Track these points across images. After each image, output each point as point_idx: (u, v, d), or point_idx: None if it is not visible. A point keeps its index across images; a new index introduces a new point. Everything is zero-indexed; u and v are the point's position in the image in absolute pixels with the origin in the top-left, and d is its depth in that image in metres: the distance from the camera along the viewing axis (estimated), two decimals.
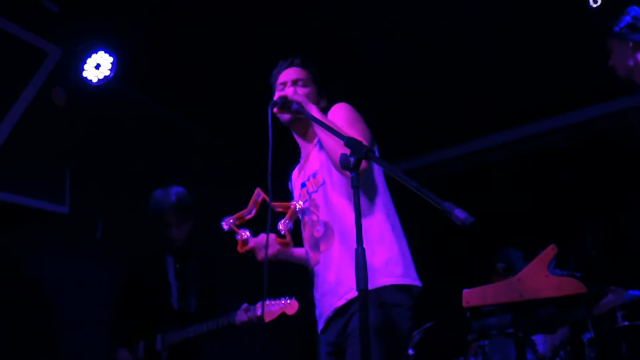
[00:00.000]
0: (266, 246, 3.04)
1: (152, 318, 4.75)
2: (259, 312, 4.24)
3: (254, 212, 3.24)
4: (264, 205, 3.16)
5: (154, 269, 4.92)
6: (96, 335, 5.27)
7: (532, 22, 5.94)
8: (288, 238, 3.11)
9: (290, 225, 3.09)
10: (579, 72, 6.35)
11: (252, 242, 3.22)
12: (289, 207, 3.10)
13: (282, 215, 3.11)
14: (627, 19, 4.31)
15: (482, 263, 6.36)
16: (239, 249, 3.22)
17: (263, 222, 2.99)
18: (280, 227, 3.09)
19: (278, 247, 3.18)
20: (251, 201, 3.21)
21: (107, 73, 5.58)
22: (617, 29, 4.25)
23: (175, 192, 4.85)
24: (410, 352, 5.35)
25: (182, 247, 4.92)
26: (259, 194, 3.20)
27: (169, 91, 6.19)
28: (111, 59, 5.58)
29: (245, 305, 4.29)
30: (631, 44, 3.95)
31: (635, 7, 4.94)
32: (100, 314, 5.25)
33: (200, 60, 5.91)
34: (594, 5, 5.73)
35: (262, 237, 3.22)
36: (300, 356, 6.84)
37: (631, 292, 5.16)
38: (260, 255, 3.20)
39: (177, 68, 5.93)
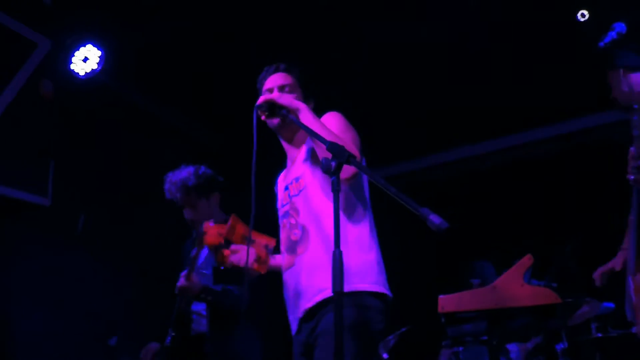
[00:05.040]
0: (247, 260, 3.09)
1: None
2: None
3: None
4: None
5: (183, 258, 4.71)
6: (77, 325, 5.29)
7: (522, 33, 5.98)
8: (265, 266, 3.19)
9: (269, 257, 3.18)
10: (563, 85, 6.42)
11: (233, 258, 3.28)
12: (267, 245, 3.15)
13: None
14: (612, 34, 4.38)
15: (460, 269, 6.42)
16: (218, 261, 3.25)
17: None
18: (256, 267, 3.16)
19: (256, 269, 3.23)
20: (229, 226, 3.21)
21: (95, 67, 5.58)
22: (601, 44, 4.32)
23: (172, 173, 4.56)
24: (385, 356, 5.38)
25: None
26: (235, 222, 3.21)
27: (155, 86, 6.20)
28: (99, 53, 5.59)
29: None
30: (621, 70, 4.01)
31: (620, 23, 5.01)
32: (81, 304, 5.27)
33: (188, 56, 5.93)
34: (582, 20, 5.81)
35: (242, 254, 3.27)
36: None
37: (606, 304, 5.21)
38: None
39: (164, 63, 5.94)
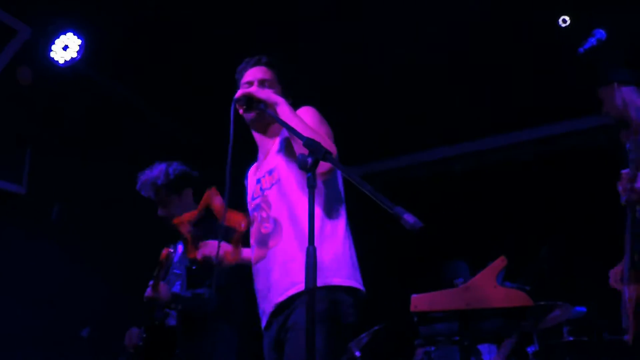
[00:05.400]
0: (217, 253, 3.08)
1: None
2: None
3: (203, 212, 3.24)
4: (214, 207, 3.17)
5: (147, 254, 4.66)
6: (48, 315, 5.27)
7: (504, 35, 6.02)
8: (237, 255, 3.18)
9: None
10: (544, 88, 6.46)
11: (204, 250, 3.28)
12: (239, 224, 3.13)
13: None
14: (592, 41, 4.41)
15: (435, 269, 6.44)
16: (189, 253, 3.24)
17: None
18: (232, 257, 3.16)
19: (229, 260, 3.25)
20: (201, 204, 3.19)
21: (75, 55, 5.55)
22: (581, 50, 4.34)
23: (143, 172, 4.58)
24: (357, 354, 5.39)
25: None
26: (213, 196, 3.19)
27: (135, 78, 6.17)
28: (79, 42, 5.55)
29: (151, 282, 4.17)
30: (616, 84, 4.05)
31: (600, 30, 5.05)
32: (53, 294, 5.24)
33: (168, 47, 5.91)
34: (563, 26, 5.84)
35: (213, 244, 3.27)
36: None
37: (578, 308, 5.25)
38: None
39: (144, 54, 5.91)
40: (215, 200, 3.12)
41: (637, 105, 3.97)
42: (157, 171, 4.46)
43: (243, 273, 3.36)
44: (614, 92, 4.09)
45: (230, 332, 4.26)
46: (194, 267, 4.06)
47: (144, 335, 4.50)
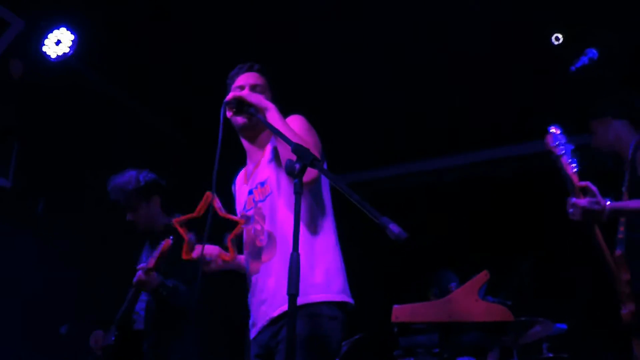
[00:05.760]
0: (202, 254, 3.08)
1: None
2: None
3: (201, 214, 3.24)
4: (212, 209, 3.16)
5: (125, 256, 4.92)
6: (35, 309, 5.24)
7: (500, 48, 6.05)
8: (233, 254, 3.16)
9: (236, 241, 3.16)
10: (528, 106, 6.50)
11: (198, 251, 3.27)
12: (237, 224, 3.13)
13: (228, 225, 3.14)
14: (584, 59, 4.44)
15: (418, 280, 6.46)
16: (184, 254, 3.23)
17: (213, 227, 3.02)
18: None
19: (221, 262, 3.25)
20: (200, 205, 3.19)
21: (67, 50, 5.54)
22: (573, 68, 4.37)
23: (115, 177, 4.77)
24: None
25: (159, 233, 4.69)
26: (210, 199, 3.19)
27: (126, 75, 6.16)
28: (72, 37, 5.54)
29: (140, 264, 4.31)
30: (610, 118, 4.07)
31: (593, 50, 5.09)
32: (36, 287, 5.22)
33: (161, 47, 5.90)
34: (556, 43, 5.88)
35: (208, 248, 3.27)
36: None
37: (558, 325, 5.27)
38: (207, 268, 3.26)
39: (137, 53, 5.91)
40: (216, 201, 3.12)
41: (627, 141, 4.00)
42: (127, 177, 4.67)
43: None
44: (607, 127, 4.11)
45: (194, 333, 4.38)
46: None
47: (116, 333, 4.60)
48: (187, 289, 4.35)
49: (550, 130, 3.69)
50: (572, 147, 3.69)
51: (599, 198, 3.57)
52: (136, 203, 4.65)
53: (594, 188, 3.61)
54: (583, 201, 3.54)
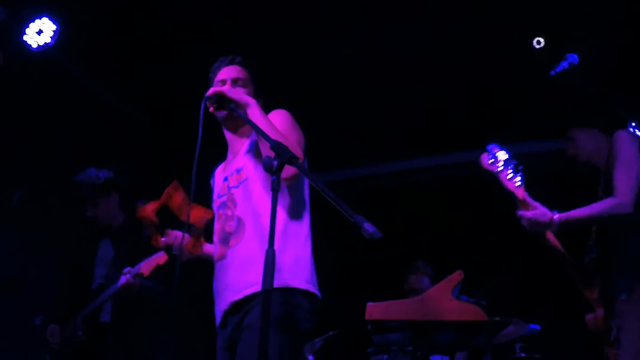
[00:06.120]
0: (182, 243, 3.09)
1: (81, 297, 4.87)
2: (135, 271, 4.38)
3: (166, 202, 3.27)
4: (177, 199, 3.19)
5: (86, 250, 5.06)
6: (9, 301, 5.22)
7: (477, 50, 6.09)
8: (202, 244, 3.21)
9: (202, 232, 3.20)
10: (508, 109, 6.55)
11: (168, 239, 3.31)
12: (203, 217, 3.16)
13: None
14: (564, 64, 4.48)
15: (393, 278, 6.49)
16: (153, 242, 3.26)
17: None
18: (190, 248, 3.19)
19: (189, 251, 3.28)
20: (164, 194, 3.22)
21: (48, 40, 5.50)
22: (553, 73, 4.42)
23: (81, 173, 4.96)
24: (311, 358, 5.40)
25: (118, 228, 4.96)
26: (176, 188, 3.22)
27: (107, 67, 6.13)
28: (54, 27, 5.51)
29: (127, 268, 4.41)
30: (597, 130, 4.12)
31: (573, 55, 5.13)
32: (11, 279, 5.20)
33: (142, 40, 5.88)
34: (537, 47, 5.92)
35: (177, 234, 3.29)
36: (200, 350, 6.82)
37: (532, 325, 5.31)
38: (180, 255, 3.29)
39: (119, 47, 5.88)
40: (177, 195, 3.15)
41: (606, 154, 4.06)
42: (89, 174, 4.89)
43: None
44: (590, 137, 4.15)
45: (163, 325, 4.48)
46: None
47: (83, 327, 4.75)
48: (164, 288, 4.53)
49: (487, 149, 3.78)
50: (515, 162, 3.77)
51: (543, 209, 3.69)
52: (96, 199, 4.87)
53: (532, 202, 3.71)
54: (529, 213, 3.69)
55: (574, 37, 5.67)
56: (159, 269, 4.30)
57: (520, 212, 3.72)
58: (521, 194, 3.73)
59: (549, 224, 3.71)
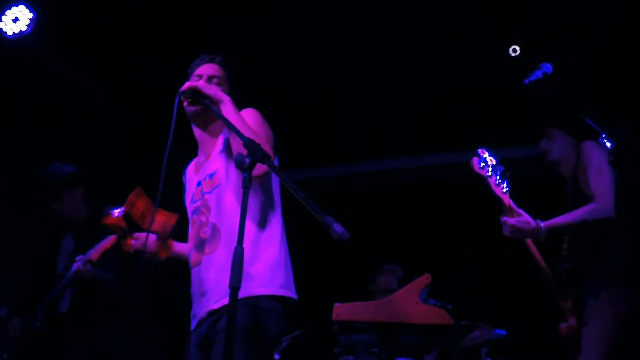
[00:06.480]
0: (144, 245, 3.09)
1: (43, 290, 4.87)
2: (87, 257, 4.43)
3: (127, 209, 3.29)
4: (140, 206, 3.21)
5: (49, 243, 5.09)
6: None
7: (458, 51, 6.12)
8: (170, 247, 3.23)
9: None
10: (486, 114, 6.59)
11: (136, 245, 3.34)
12: (166, 224, 3.17)
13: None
14: (538, 73, 4.52)
15: (361, 279, 6.51)
16: (124, 247, 3.28)
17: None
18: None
19: (158, 256, 3.33)
20: (128, 200, 3.23)
21: (24, 28, 5.45)
22: (526, 81, 4.46)
23: (47, 167, 4.99)
24: (277, 356, 5.41)
25: (81, 221, 4.97)
26: (139, 195, 3.24)
27: (83, 59, 6.08)
28: (31, 15, 5.45)
29: (79, 256, 4.48)
30: (575, 141, 4.17)
31: (547, 64, 5.17)
32: None
33: (121, 31, 5.84)
34: (513, 55, 5.98)
35: (144, 237, 3.31)
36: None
37: (497, 330, 5.36)
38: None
39: (96, 37, 5.84)
40: (139, 202, 3.17)
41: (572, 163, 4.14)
42: (52, 169, 4.92)
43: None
44: (567, 143, 4.21)
45: (126, 320, 4.56)
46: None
47: (43, 318, 4.75)
48: (117, 280, 4.61)
49: (478, 153, 3.81)
50: (502, 168, 3.80)
51: (527, 217, 3.73)
52: (60, 193, 4.89)
53: (517, 209, 3.75)
54: (512, 220, 3.73)
55: (550, 45, 5.73)
56: (116, 261, 4.37)
57: (504, 218, 3.75)
58: (507, 200, 3.76)
59: (533, 232, 3.76)
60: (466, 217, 7.27)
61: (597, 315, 3.82)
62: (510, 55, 6.02)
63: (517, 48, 5.97)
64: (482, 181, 3.82)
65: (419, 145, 7.67)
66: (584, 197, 3.95)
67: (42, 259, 5.06)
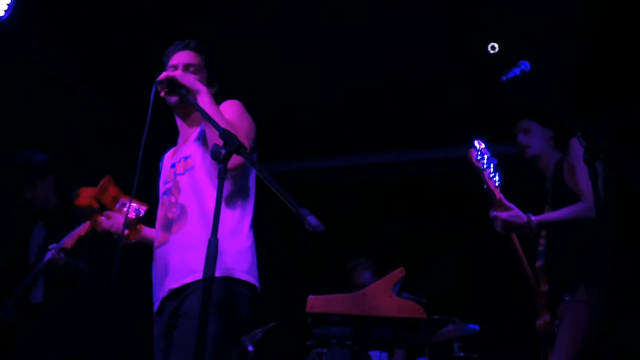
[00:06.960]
0: (121, 235, 3.09)
1: (15, 280, 4.85)
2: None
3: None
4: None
5: (20, 233, 5.13)
6: None
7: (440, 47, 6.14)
8: (139, 230, 3.24)
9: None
10: (462, 110, 6.61)
11: (106, 223, 3.33)
12: (134, 212, 3.19)
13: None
14: (516, 71, 4.54)
15: (336, 272, 6.54)
16: (95, 226, 3.28)
17: None
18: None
19: (128, 238, 3.34)
20: (99, 186, 3.26)
21: (2, 14, 5.38)
22: (504, 78, 4.48)
23: (19, 155, 5.02)
24: (251, 349, 5.42)
25: (51, 210, 4.98)
26: (109, 182, 3.26)
27: (62, 45, 6.02)
28: (8, 0, 5.39)
29: (53, 245, 4.51)
30: (552, 134, 4.20)
31: (525, 62, 5.20)
32: None
33: (102, 19, 5.79)
34: (492, 52, 6.01)
35: (117, 218, 3.31)
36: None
37: (470, 325, 5.41)
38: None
39: (77, 24, 5.78)
40: (110, 189, 3.20)
41: (550, 159, 4.17)
42: (28, 156, 4.96)
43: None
44: (546, 138, 4.24)
45: (100, 308, 4.54)
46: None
47: (15, 308, 4.76)
48: (91, 269, 4.64)
49: (474, 144, 3.80)
50: (496, 161, 3.81)
51: (517, 212, 3.73)
52: (33, 182, 4.91)
53: (507, 203, 3.76)
54: (504, 214, 3.71)
55: (528, 44, 5.77)
56: (90, 250, 4.37)
57: (495, 213, 3.73)
58: (498, 194, 3.76)
59: (524, 226, 3.74)
60: (441, 212, 7.31)
61: (573, 310, 3.83)
62: (489, 52, 6.04)
63: (496, 46, 6.00)
64: (476, 174, 3.77)
65: (394, 141, 7.68)
66: (566, 194, 3.95)
67: (12, 249, 5.05)
